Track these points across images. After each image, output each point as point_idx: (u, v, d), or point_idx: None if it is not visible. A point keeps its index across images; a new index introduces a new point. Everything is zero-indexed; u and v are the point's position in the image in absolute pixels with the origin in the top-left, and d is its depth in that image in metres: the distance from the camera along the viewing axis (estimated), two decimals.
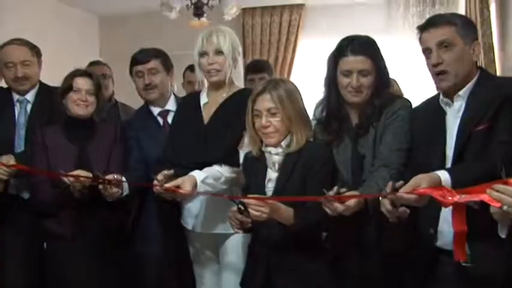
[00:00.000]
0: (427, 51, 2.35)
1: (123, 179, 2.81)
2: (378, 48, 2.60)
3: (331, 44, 2.68)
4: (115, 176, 2.76)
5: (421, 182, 2.04)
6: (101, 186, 2.74)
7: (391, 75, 2.70)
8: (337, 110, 2.62)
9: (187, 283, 3.03)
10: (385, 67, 2.60)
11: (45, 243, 3.13)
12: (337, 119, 2.62)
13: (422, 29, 2.37)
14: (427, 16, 6.06)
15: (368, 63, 2.52)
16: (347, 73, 2.53)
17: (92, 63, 4.57)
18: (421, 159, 2.33)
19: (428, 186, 2.03)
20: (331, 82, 2.62)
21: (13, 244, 3.23)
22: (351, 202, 2.25)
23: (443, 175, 2.09)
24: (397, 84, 4.11)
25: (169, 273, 3.09)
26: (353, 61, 2.52)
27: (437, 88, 2.39)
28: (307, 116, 2.61)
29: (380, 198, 2.22)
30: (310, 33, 7.07)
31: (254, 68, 4.26)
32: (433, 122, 2.38)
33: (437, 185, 2.05)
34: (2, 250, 3.27)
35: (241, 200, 2.40)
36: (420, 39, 2.39)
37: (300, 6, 7.04)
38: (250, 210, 2.31)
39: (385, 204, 2.17)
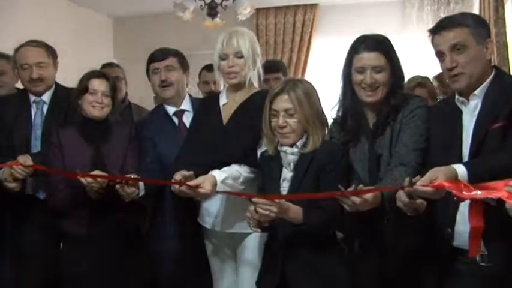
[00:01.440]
0: (440, 55, 2.33)
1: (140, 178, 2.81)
2: (392, 47, 2.59)
3: (345, 43, 2.68)
4: (132, 176, 2.78)
5: (437, 174, 2.04)
6: (118, 186, 2.75)
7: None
8: (353, 109, 2.62)
9: (204, 281, 3.04)
10: (399, 66, 2.58)
11: (61, 243, 3.17)
12: (353, 118, 2.61)
13: (434, 32, 2.35)
14: (442, 15, 6.12)
15: (382, 59, 2.51)
16: (361, 70, 2.53)
17: (105, 65, 4.59)
18: (438, 158, 2.32)
19: (445, 180, 2.02)
20: (346, 81, 2.62)
21: (30, 243, 3.25)
22: (368, 196, 2.24)
23: (460, 169, 2.08)
24: (431, 83, 4.11)
25: (186, 271, 3.09)
26: (366, 57, 2.52)
27: (454, 89, 2.38)
28: (324, 116, 2.61)
29: (396, 193, 2.22)
30: (324, 32, 7.07)
31: (269, 68, 4.24)
32: (449, 121, 2.37)
33: (454, 178, 2.04)
34: (19, 249, 3.30)
35: (252, 199, 2.41)
36: (432, 42, 2.37)
37: (314, 5, 7.05)
38: (259, 209, 2.32)
39: (402, 197, 2.16)
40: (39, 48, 3.33)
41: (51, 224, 3.05)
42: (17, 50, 3.35)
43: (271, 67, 4.29)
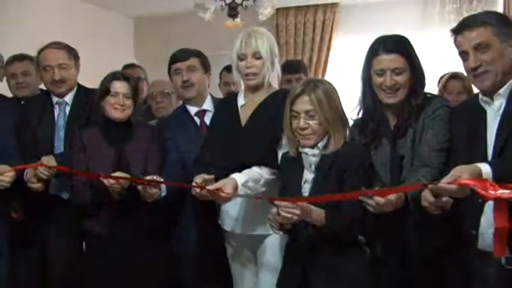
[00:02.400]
0: (463, 54, 2.30)
1: (162, 180, 2.82)
2: (412, 47, 2.57)
3: (366, 42, 2.66)
4: (154, 177, 2.79)
5: (462, 173, 2.00)
6: (140, 187, 2.77)
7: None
8: (373, 111, 2.60)
9: (225, 283, 3.04)
10: (420, 66, 2.56)
11: (84, 243, 3.19)
12: (373, 120, 2.60)
13: (457, 32, 2.33)
14: (464, 13, 6.04)
15: (401, 61, 2.49)
16: (380, 72, 2.51)
17: (127, 66, 4.61)
18: (461, 158, 2.30)
19: (470, 178, 1.99)
20: (366, 83, 2.61)
21: (53, 242, 3.29)
22: (392, 196, 2.22)
23: (484, 167, 2.05)
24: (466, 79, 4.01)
25: (207, 273, 3.10)
26: (386, 59, 2.50)
27: (478, 88, 2.35)
28: (345, 116, 2.58)
29: (421, 193, 2.19)
30: (344, 31, 7.03)
31: (290, 68, 4.24)
32: (473, 121, 2.35)
33: (478, 177, 2.01)
34: (43, 249, 3.34)
35: (274, 201, 2.40)
36: (455, 42, 2.35)
37: (334, 5, 7.01)
38: (281, 212, 2.31)
39: (427, 196, 2.14)
40: (61, 50, 3.36)
41: (74, 223, 3.08)
42: (39, 52, 3.38)
43: (293, 67, 4.29)
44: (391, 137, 2.55)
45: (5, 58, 4.00)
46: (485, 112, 2.31)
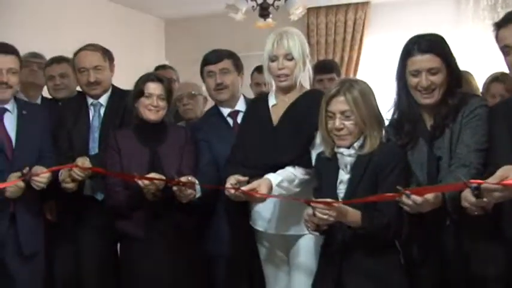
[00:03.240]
0: (506, 49, 2.25)
1: (196, 181, 2.83)
2: (447, 46, 2.52)
3: (397, 40, 2.64)
4: (189, 178, 2.79)
5: (509, 173, 1.93)
6: (175, 188, 2.77)
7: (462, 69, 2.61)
8: (408, 112, 2.56)
9: (258, 284, 3.04)
10: (456, 65, 2.52)
11: (118, 244, 3.22)
12: (409, 121, 2.56)
13: (500, 25, 2.28)
14: (499, 10, 5.95)
15: (437, 61, 2.45)
16: (416, 73, 2.47)
17: (159, 67, 4.64)
18: (504, 158, 2.25)
19: None
20: (401, 84, 2.57)
21: (88, 244, 3.33)
22: (430, 195, 2.18)
23: None
24: (474, 79, 3.98)
25: (240, 274, 3.10)
26: (420, 60, 2.45)
27: None
28: (381, 116, 2.55)
29: (460, 192, 2.14)
30: (375, 30, 6.99)
31: (323, 68, 4.22)
32: None
33: None
34: (78, 250, 3.38)
35: (310, 203, 2.38)
36: (497, 36, 2.30)
37: (365, 3, 6.97)
38: (317, 214, 2.29)
39: (468, 197, 2.07)
40: (96, 52, 3.39)
41: (109, 225, 3.10)
42: (75, 54, 3.42)
43: (325, 67, 4.26)
44: (428, 138, 2.52)
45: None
46: None
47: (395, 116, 2.64)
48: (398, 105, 2.61)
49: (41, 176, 2.88)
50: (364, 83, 2.58)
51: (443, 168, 2.46)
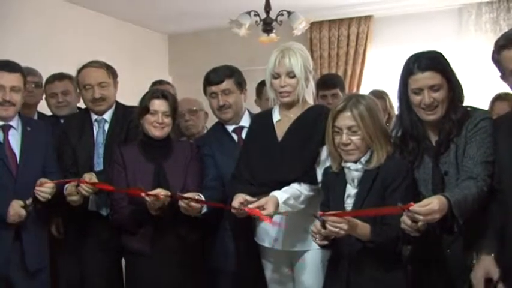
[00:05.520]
0: None
1: (202, 197, 2.83)
2: (447, 61, 2.52)
3: (401, 53, 2.64)
4: (196, 197, 2.79)
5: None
6: (182, 203, 2.77)
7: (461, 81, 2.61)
8: (412, 129, 2.56)
9: None
10: (457, 80, 2.52)
11: (123, 259, 3.21)
12: (413, 139, 2.56)
13: (504, 46, 2.28)
14: (502, 23, 5.95)
15: (437, 77, 2.45)
16: (418, 91, 2.47)
17: (156, 83, 4.60)
18: (506, 171, 2.24)
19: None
20: (403, 101, 2.57)
21: (93, 259, 3.32)
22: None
23: None
24: (389, 98, 4.01)
25: None
26: (422, 78, 2.45)
27: None
28: (387, 131, 2.57)
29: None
30: (378, 44, 6.96)
31: (326, 84, 4.18)
32: None
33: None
34: (83, 265, 3.37)
35: (322, 216, 2.37)
36: (502, 58, 2.29)
37: (368, 17, 6.97)
38: (328, 227, 2.29)
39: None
40: (100, 69, 3.41)
41: (114, 240, 3.11)
42: (79, 71, 3.43)
43: (329, 83, 4.21)
44: (434, 154, 2.51)
45: (44, 77, 4.07)
46: None
47: (399, 134, 2.63)
48: (402, 123, 2.61)
49: (45, 186, 2.89)
50: (370, 98, 2.60)
51: (449, 183, 2.46)
